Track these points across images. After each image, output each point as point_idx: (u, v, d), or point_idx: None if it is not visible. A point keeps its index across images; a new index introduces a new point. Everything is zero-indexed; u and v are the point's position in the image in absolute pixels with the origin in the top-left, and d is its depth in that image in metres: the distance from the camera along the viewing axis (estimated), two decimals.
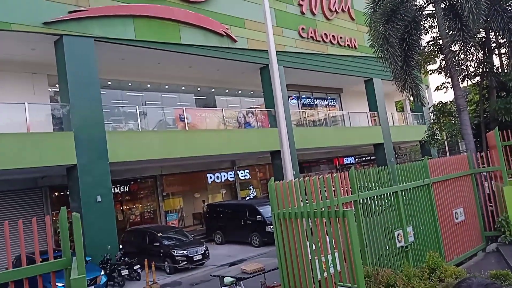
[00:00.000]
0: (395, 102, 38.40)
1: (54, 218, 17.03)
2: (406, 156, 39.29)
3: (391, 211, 8.16)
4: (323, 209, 5.55)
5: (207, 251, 15.23)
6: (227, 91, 25.05)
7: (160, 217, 21.48)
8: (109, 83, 19.29)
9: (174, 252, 14.58)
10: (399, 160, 34.34)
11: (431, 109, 16.15)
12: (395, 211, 8.20)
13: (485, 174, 11.02)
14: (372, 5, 13.26)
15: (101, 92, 15.78)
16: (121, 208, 20.37)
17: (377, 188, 7.98)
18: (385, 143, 28.24)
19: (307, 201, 5.92)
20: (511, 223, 9.96)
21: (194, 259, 14.66)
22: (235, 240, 18.62)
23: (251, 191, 26.53)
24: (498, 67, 14.00)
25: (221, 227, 19.39)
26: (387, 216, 7.97)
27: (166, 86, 22.13)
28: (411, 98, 14.40)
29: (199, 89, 23.68)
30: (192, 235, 16.85)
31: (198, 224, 23.30)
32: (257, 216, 17.79)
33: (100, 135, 14.75)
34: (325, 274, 5.76)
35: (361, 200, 7.40)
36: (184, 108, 18.86)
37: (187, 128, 18.38)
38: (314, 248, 5.58)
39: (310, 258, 5.64)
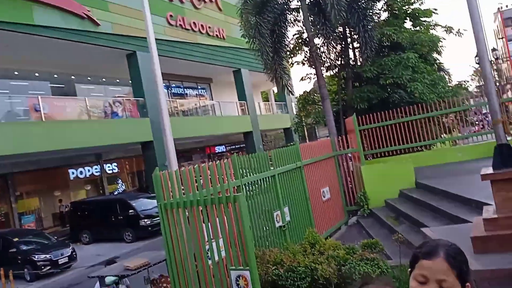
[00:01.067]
0: (261, 92, 40.34)
1: None
2: (272, 143, 41.77)
3: (269, 194, 8.52)
4: (213, 196, 5.48)
5: (74, 253, 13.93)
6: (89, 78, 23.05)
7: (14, 220, 18.84)
8: None
9: (35, 257, 12.97)
10: (266, 147, 36.28)
11: (298, 98, 17.35)
12: (272, 194, 8.59)
13: (350, 155, 12.29)
14: None
15: None
16: None
17: (256, 173, 8.21)
18: (253, 131, 29.50)
19: (183, 191, 5.79)
20: (368, 198, 11.32)
21: (60, 263, 13.27)
22: (106, 238, 17.39)
23: (119, 185, 25.07)
24: (353, 60, 15.71)
25: (88, 225, 17.88)
26: (266, 199, 8.30)
27: (16, 73, 19.35)
28: (280, 88, 15.25)
29: (56, 76, 21.28)
30: (55, 237, 15.20)
31: (58, 225, 21.13)
32: (130, 211, 16.89)
33: None
34: (215, 260, 5.73)
35: (243, 185, 7.55)
36: (39, 96, 16.71)
37: (43, 119, 16.36)
38: (205, 235, 5.48)
39: (202, 245, 5.53)
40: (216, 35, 27.07)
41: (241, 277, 5.09)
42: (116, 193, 24.12)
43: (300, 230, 9.15)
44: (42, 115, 16.30)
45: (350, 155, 12.45)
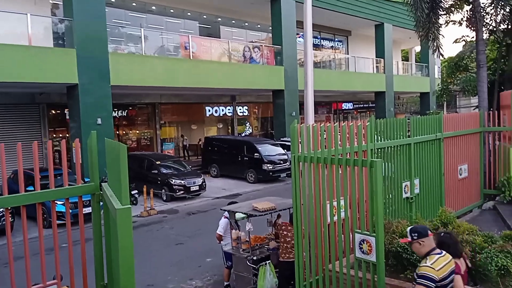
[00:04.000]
0: (401, 50, 37.53)
1: (51, 136, 16.83)
2: (403, 107, 39.27)
3: (401, 162, 8.12)
4: (349, 155, 5.42)
5: (204, 183, 15.37)
6: (233, 22, 23.97)
7: (157, 145, 21.41)
8: (113, 0, 18.19)
9: (172, 181, 14.66)
10: (397, 110, 34.26)
11: (446, 62, 15.71)
12: (405, 163, 8.17)
13: (498, 133, 10.94)
14: None
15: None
16: (117, 132, 20.17)
17: (391, 139, 7.84)
18: (386, 92, 27.96)
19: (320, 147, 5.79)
20: None
21: (191, 189, 14.81)
22: (231, 175, 18.78)
23: (247, 127, 26.44)
24: None
25: (217, 160, 19.44)
26: (396, 167, 7.93)
27: (171, 10, 21.02)
28: (428, 48, 13.92)
29: (204, 16, 22.59)
30: (190, 166, 16.89)
31: (193, 156, 23.39)
32: (255, 154, 17.80)
33: (103, 56, 14.15)
34: (335, 218, 5.78)
35: (376, 150, 7.30)
36: (190, 36, 18.03)
37: (191, 57, 17.72)
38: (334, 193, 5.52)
39: (328, 202, 5.60)
40: None
41: (365, 242, 5.07)
42: (243, 134, 25.56)
43: (428, 205, 8.65)
44: (190, 53, 17.64)
45: (499, 133, 11.04)
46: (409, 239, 3.72)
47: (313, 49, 26.80)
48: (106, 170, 4.11)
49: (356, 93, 30.02)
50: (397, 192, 7.89)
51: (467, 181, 10.19)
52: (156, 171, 15.29)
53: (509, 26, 13.22)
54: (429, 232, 3.69)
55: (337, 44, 30.82)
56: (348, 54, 30.08)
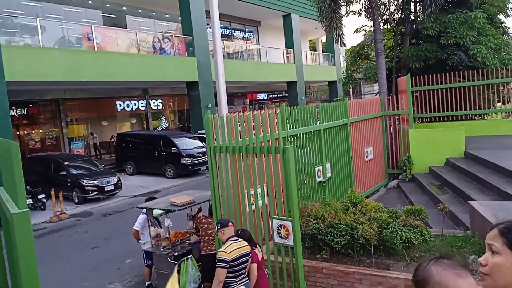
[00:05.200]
0: (308, 40, 39.10)
1: None
2: (314, 95, 41.10)
3: (312, 148, 8.49)
4: (262, 144, 5.51)
5: (119, 182, 14.70)
6: (139, 11, 23.02)
7: (64, 145, 19.95)
8: None
9: (83, 182, 13.78)
10: (308, 98, 35.76)
11: (349, 51, 16.68)
12: (316, 148, 8.55)
13: (398, 117, 11.90)
14: None
15: None
16: (18, 133, 18.42)
17: (302, 126, 8.13)
18: (298, 82, 28.99)
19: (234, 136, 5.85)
20: (412, 163, 11.07)
21: (106, 190, 14.07)
22: (148, 171, 18.18)
23: (163, 121, 25.76)
24: (414, 14, 14.74)
25: (133, 157, 18.68)
26: (308, 152, 8.28)
27: None
28: (332, 38, 14.65)
29: (108, 5, 21.37)
30: (103, 165, 16.02)
31: (106, 154, 22.22)
32: (172, 148, 17.40)
33: None
34: (253, 207, 5.89)
35: (288, 137, 7.53)
36: (93, 26, 16.94)
37: (96, 49, 16.69)
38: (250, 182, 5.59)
39: (246, 191, 5.67)
40: None
41: (282, 227, 5.22)
42: (159, 129, 24.85)
43: (339, 187, 9.17)
44: (94, 44, 16.60)
45: (398, 116, 12.06)
46: (215, 229, 4.84)
47: (225, 40, 26.97)
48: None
49: (269, 84, 30.72)
50: (311, 177, 8.26)
51: (373, 162, 10.98)
52: (65, 173, 14.26)
53: (403, 16, 14.39)
54: (230, 224, 4.73)
55: (248, 34, 31.19)
56: (259, 44, 30.58)
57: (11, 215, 2.46)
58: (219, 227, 4.68)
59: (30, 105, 19.00)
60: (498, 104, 13.68)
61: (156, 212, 6.44)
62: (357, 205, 6.40)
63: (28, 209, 2.44)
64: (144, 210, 6.80)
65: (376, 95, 16.75)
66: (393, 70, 14.61)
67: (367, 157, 10.65)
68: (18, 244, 2.38)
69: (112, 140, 21.76)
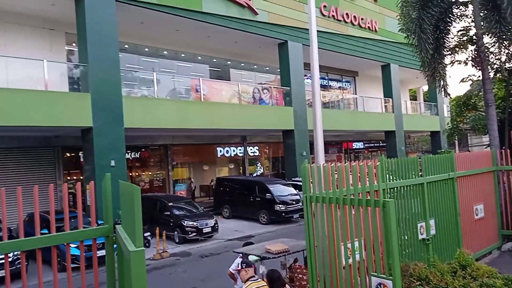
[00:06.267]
0: (409, 90, 37.92)
1: (66, 178, 17.01)
2: (414, 146, 39.13)
3: (414, 202, 8.03)
4: (361, 196, 5.41)
5: (216, 224, 15.23)
6: (242, 64, 24.64)
7: (169, 186, 21.48)
8: (126, 46, 18.93)
9: (184, 222, 14.57)
10: (408, 149, 34.14)
11: (455, 100, 15.82)
12: (418, 203, 8.07)
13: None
14: None
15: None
16: (131, 174, 20.35)
17: (403, 178, 7.79)
18: (396, 131, 28.00)
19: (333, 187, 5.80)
20: None
21: (204, 231, 14.66)
22: (243, 216, 18.64)
23: (258, 167, 26.49)
24: None
25: (229, 201, 19.38)
26: (410, 207, 7.84)
27: (183, 55, 21.74)
28: (435, 88, 14.08)
29: (214, 60, 23.28)
30: (202, 208, 16.85)
31: (205, 196, 23.36)
32: (267, 194, 17.73)
33: (117, 99, 14.56)
34: (350, 261, 5.68)
35: (388, 189, 7.26)
36: (201, 79, 18.55)
37: (202, 99, 18.13)
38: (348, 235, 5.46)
39: (342, 244, 5.53)
40: (368, 27, 26.23)
41: (382, 285, 4.96)
42: (254, 175, 25.57)
43: (445, 247, 8.45)
44: (201, 95, 18.07)
45: None
46: (239, 268, 5.30)
47: (321, 90, 27.30)
48: (120, 212, 4.16)
49: (366, 133, 30.10)
50: (413, 233, 7.76)
51: (484, 221, 9.99)
52: (168, 213, 15.26)
53: None
54: (253, 265, 5.29)
55: (345, 84, 31.31)
56: (356, 94, 30.46)
57: (129, 253, 2.73)
58: (244, 266, 5.16)
59: (143, 149, 21.01)
60: None
61: (251, 258, 6.56)
62: (466, 269, 5.86)
63: (144, 248, 2.70)
64: (241, 255, 6.96)
65: (485, 147, 15.45)
66: (506, 122, 13.44)
67: (477, 215, 9.73)
68: (133, 279, 2.60)
69: (212, 183, 22.87)
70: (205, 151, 23.87)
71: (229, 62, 24.05)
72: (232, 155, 24.66)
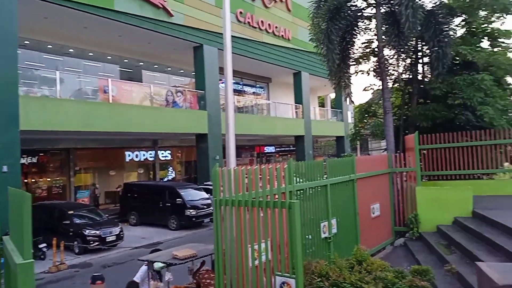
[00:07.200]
0: (318, 97, 39.97)
1: None
2: (322, 150, 41.29)
3: (318, 203, 8.41)
4: (269, 198, 5.51)
5: (121, 232, 14.52)
6: (155, 66, 23.97)
7: (70, 193, 20.02)
8: (26, 42, 17.31)
9: (85, 231, 13.65)
10: (315, 153, 35.91)
11: (357, 108, 17.01)
12: (322, 203, 8.47)
13: (405, 174, 11.87)
14: (317, 1, 13.43)
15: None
16: (26, 181, 18.59)
17: (309, 180, 8.13)
18: (305, 136, 29.30)
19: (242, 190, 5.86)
20: (419, 221, 10.87)
21: (107, 240, 13.89)
22: (151, 222, 18.00)
23: (170, 172, 25.91)
24: (421, 75, 15.16)
25: (137, 207, 18.60)
26: (314, 207, 8.20)
27: (91, 54, 20.50)
28: (341, 96, 15.02)
29: (126, 60, 22.33)
30: (107, 215, 15.96)
31: (111, 203, 22.19)
32: (177, 199, 17.35)
33: (12, 98, 13.21)
34: (257, 262, 5.77)
35: (295, 191, 7.51)
36: (110, 79, 17.64)
37: (110, 101, 17.24)
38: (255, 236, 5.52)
39: (250, 246, 5.58)
40: (282, 35, 27.17)
41: (285, 284, 5.08)
42: (165, 180, 24.94)
43: (345, 244, 8.95)
44: (110, 96, 17.17)
45: (405, 173, 12.02)
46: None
47: (236, 95, 27.70)
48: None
49: (277, 137, 31.07)
50: (316, 233, 8.12)
51: (380, 219, 10.80)
52: (68, 222, 14.18)
53: (410, 76, 14.79)
54: (98, 282, 5.73)
55: (259, 90, 32.03)
56: (269, 99, 31.33)
57: (15, 265, 2.47)
58: (90, 282, 5.57)
59: (41, 154, 19.34)
60: (506, 164, 13.61)
61: (157, 265, 6.34)
62: (362, 263, 6.26)
63: (33, 261, 2.45)
64: (146, 262, 6.69)
65: (383, 151, 16.80)
66: (401, 128, 14.77)
67: (373, 213, 10.49)
68: None
69: (118, 189, 21.80)
70: (113, 156, 22.70)
71: (141, 63, 23.23)
72: (142, 160, 23.77)
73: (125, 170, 23.57)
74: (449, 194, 10.95)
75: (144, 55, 22.33)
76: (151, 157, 24.17)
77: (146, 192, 18.78)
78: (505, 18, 15.02)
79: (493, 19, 15.34)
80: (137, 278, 6.82)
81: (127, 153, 22.85)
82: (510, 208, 9.91)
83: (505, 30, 15.67)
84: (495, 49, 15.57)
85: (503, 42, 15.79)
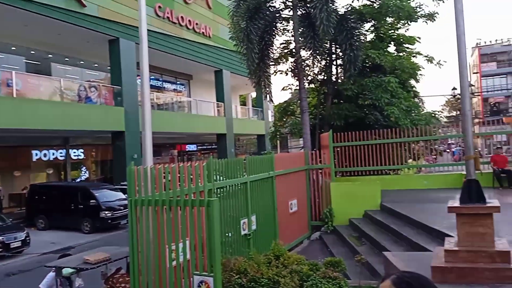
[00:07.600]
0: (239, 95, 40.30)
1: None
2: (243, 148, 41.79)
3: (237, 200, 8.48)
4: (187, 197, 5.41)
5: (27, 238, 13.37)
6: (66, 59, 22.35)
7: None
8: None
9: None
10: (237, 151, 36.24)
11: (277, 107, 17.44)
12: (241, 200, 8.55)
13: (320, 170, 12.41)
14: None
15: None
16: None
17: (229, 178, 8.15)
18: (227, 134, 29.39)
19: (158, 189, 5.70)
20: (334, 215, 11.45)
21: (12, 246, 12.71)
22: (62, 226, 16.77)
23: (83, 172, 24.39)
24: (335, 76, 15.97)
25: (45, 210, 17.19)
26: (234, 205, 8.25)
27: None
28: (261, 94, 15.29)
29: (32, 52, 20.52)
30: (10, 219, 14.58)
31: (16, 207, 20.33)
32: (91, 201, 16.38)
33: None
34: (174, 263, 5.65)
35: (215, 189, 7.48)
36: (14, 72, 16.10)
37: (14, 95, 15.76)
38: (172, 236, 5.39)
39: (167, 246, 5.43)
40: (202, 32, 26.91)
41: (203, 283, 5.04)
42: (78, 180, 23.46)
43: (264, 240, 9.12)
44: (14, 91, 15.70)
45: (321, 170, 12.59)
46: None
47: (155, 91, 26.91)
48: None
49: (199, 135, 30.76)
50: (236, 230, 8.17)
51: (297, 214, 11.20)
52: None
53: (325, 77, 15.51)
54: None
55: (180, 87, 31.44)
56: (190, 97, 30.89)
57: None
58: None
59: None
60: (410, 161, 14.88)
61: (66, 271, 5.92)
62: (279, 258, 6.41)
63: None
64: (54, 269, 6.22)
65: (301, 149, 17.44)
66: (317, 127, 15.44)
67: (291, 209, 10.85)
68: None
69: (24, 191, 20.02)
70: (17, 155, 20.78)
71: (50, 56, 21.50)
72: (52, 159, 22.05)
73: (32, 171, 21.72)
74: (359, 189, 11.69)
75: (54, 47, 20.71)
76: (61, 156, 22.53)
77: (56, 193, 17.46)
78: (409, 25, 16.42)
79: (399, 25, 16.68)
80: (43, 285, 6.31)
81: (34, 152, 21.06)
82: (414, 201, 10.84)
83: (410, 36, 17.13)
84: (401, 54, 16.95)
85: (407, 48, 17.25)
